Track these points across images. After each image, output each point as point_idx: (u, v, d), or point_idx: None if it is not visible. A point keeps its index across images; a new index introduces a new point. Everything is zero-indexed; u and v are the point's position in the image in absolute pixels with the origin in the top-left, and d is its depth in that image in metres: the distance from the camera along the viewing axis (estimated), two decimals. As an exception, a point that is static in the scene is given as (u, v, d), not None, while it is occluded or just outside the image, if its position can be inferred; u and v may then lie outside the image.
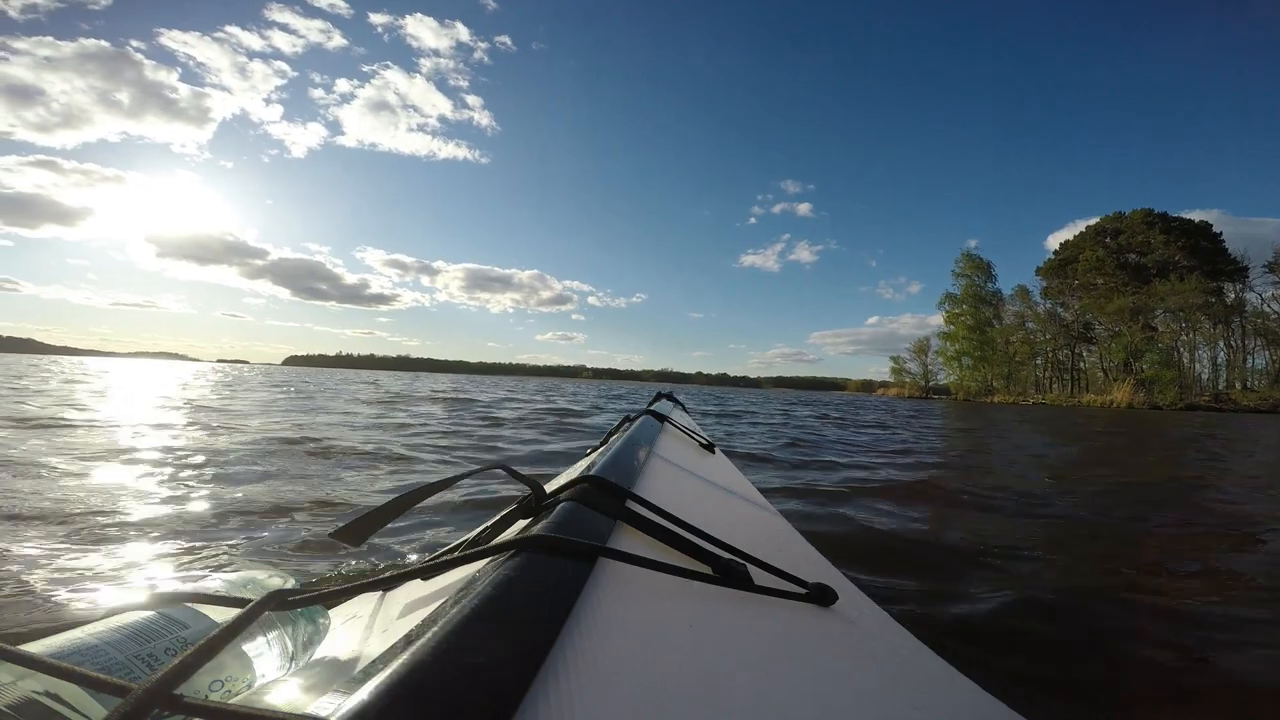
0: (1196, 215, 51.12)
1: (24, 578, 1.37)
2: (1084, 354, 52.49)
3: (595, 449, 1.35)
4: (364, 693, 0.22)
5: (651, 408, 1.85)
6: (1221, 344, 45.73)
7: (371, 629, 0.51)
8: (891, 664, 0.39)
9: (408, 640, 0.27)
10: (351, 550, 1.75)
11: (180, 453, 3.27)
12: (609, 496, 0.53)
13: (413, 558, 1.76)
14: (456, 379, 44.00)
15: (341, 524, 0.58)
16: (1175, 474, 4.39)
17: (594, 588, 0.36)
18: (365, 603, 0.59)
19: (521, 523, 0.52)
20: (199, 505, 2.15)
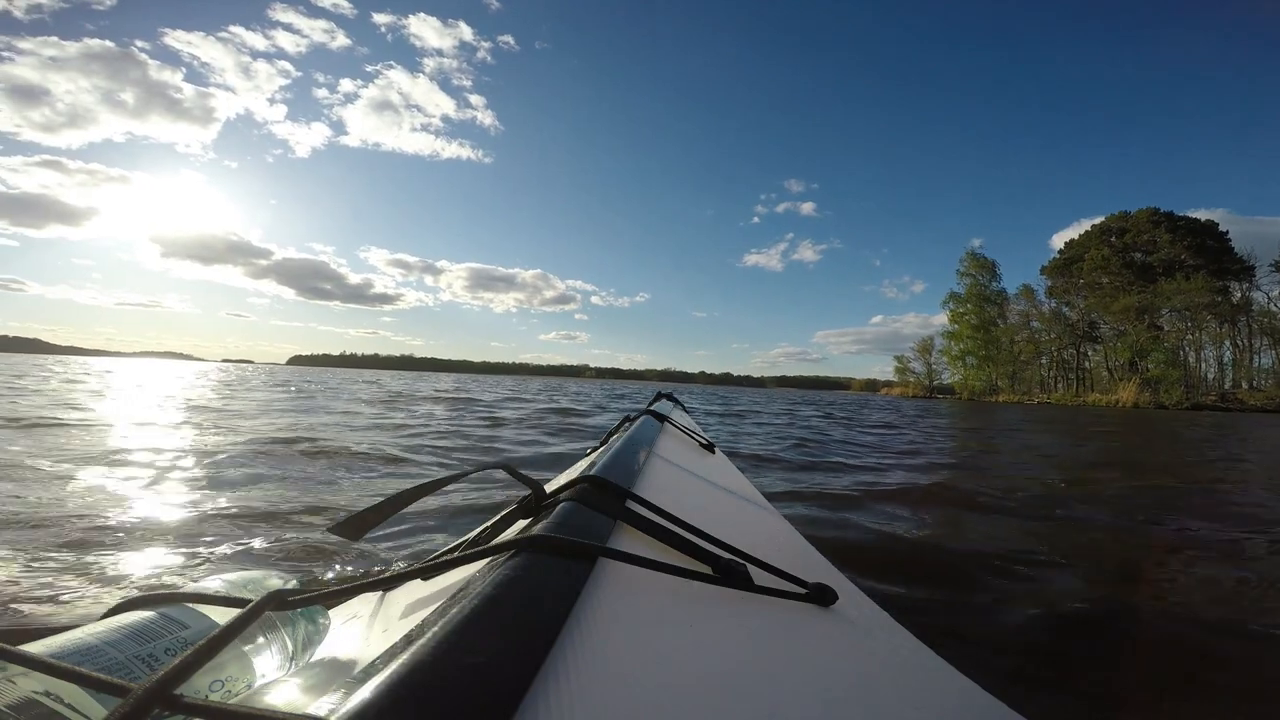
0: (1202, 214, 50.95)
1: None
2: (1089, 353, 52.31)
3: (595, 449, 1.35)
4: (364, 693, 0.22)
5: (651, 408, 1.85)
6: (1228, 343, 45.49)
7: (371, 629, 0.51)
8: (891, 664, 0.39)
9: (408, 640, 0.27)
10: (349, 546, 1.75)
11: (169, 454, 3.23)
12: (609, 496, 0.53)
13: (413, 558, 1.75)
14: (460, 378, 44.07)
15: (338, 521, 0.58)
16: (1194, 475, 4.31)
17: (594, 588, 0.36)
18: (365, 603, 0.59)
19: (521, 523, 0.52)
20: (179, 510, 2.08)
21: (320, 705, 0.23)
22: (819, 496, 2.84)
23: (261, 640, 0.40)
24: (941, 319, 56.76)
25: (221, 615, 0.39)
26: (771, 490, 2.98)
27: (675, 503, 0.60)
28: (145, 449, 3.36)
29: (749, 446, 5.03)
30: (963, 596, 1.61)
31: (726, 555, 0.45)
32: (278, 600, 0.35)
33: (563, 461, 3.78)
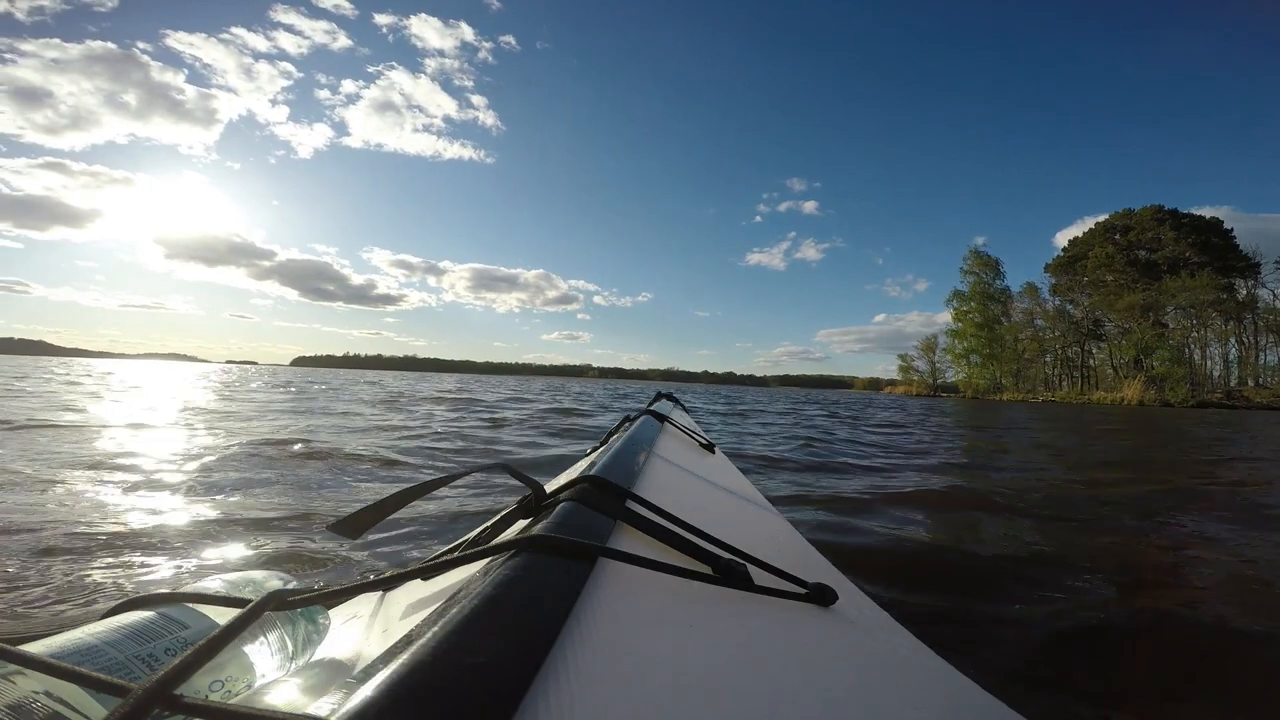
0: (1206, 211, 50.71)
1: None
2: (1093, 351, 52.10)
3: (595, 449, 1.35)
4: (364, 693, 0.22)
5: (652, 408, 1.85)
6: (1233, 340, 45.28)
7: (371, 629, 0.51)
8: (891, 664, 0.39)
9: (408, 640, 0.27)
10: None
11: (155, 457, 3.18)
12: (609, 496, 0.53)
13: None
14: (463, 379, 44.10)
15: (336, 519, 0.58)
16: (1214, 474, 4.22)
17: (594, 588, 0.36)
18: (365, 603, 0.59)
19: (521, 523, 0.52)
20: (154, 516, 2.01)
21: (320, 705, 0.23)
22: (830, 500, 2.76)
23: (261, 640, 0.40)
24: (944, 317, 56.71)
25: (221, 615, 0.39)
26: (780, 493, 2.93)
27: (675, 503, 0.60)
28: (132, 452, 3.31)
29: (755, 447, 4.96)
30: (988, 605, 1.55)
31: (726, 555, 0.45)
32: (278, 600, 0.35)
33: (564, 462, 3.77)
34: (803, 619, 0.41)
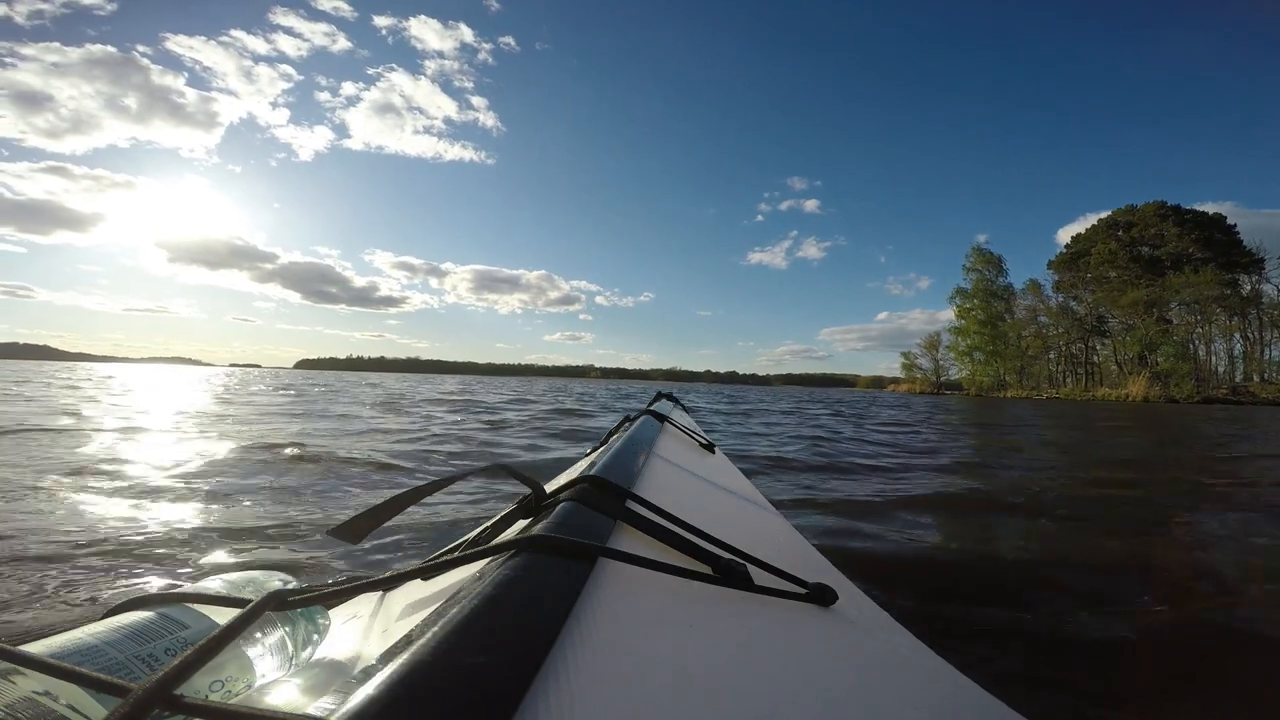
0: (1209, 208, 50.47)
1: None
2: (1097, 347, 51.92)
3: (595, 449, 1.35)
4: (364, 693, 0.22)
5: (651, 408, 1.85)
6: (1238, 336, 45.11)
7: (371, 629, 0.51)
8: (891, 664, 0.39)
9: (408, 640, 0.27)
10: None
11: (143, 463, 3.12)
12: (609, 496, 0.53)
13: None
14: (465, 380, 44.12)
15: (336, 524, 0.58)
16: (1231, 472, 4.11)
17: (594, 588, 0.36)
18: (365, 603, 0.59)
19: (521, 523, 0.52)
20: (130, 526, 1.95)
21: (320, 705, 0.23)
22: (841, 504, 2.65)
23: (261, 640, 0.40)
24: (947, 315, 56.62)
25: (221, 615, 0.39)
26: (790, 496, 2.85)
27: (675, 503, 0.60)
28: (118, 458, 3.26)
29: (761, 448, 4.88)
30: (1010, 613, 1.50)
31: (726, 555, 0.45)
32: (278, 600, 0.35)
33: (564, 464, 3.73)
34: (803, 619, 0.41)
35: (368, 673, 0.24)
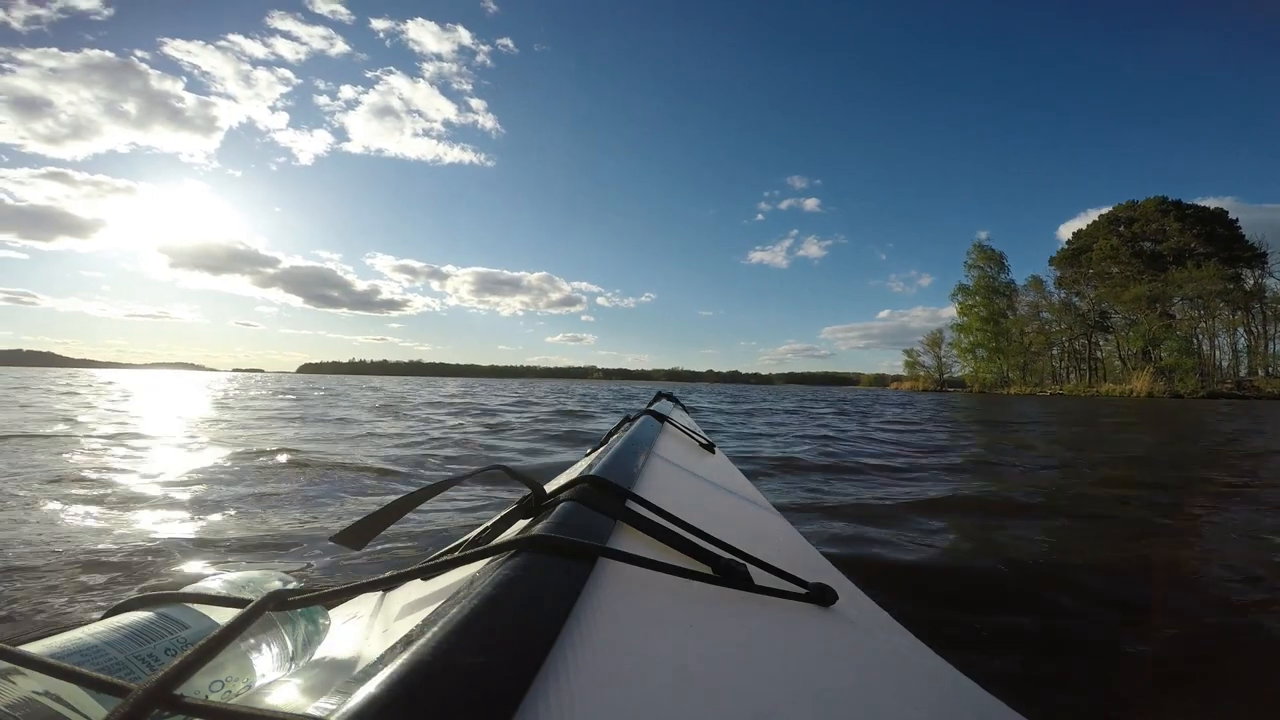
0: (1210, 203, 50.29)
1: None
2: (1100, 343, 51.77)
3: (595, 449, 1.35)
4: (364, 693, 0.22)
5: (651, 408, 1.85)
6: (1241, 330, 44.93)
7: (371, 629, 0.51)
8: (891, 663, 0.39)
9: (408, 640, 0.27)
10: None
11: (132, 472, 3.06)
12: (609, 496, 0.53)
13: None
14: (467, 383, 44.12)
15: (338, 528, 0.59)
16: (1254, 471, 4.00)
17: (594, 588, 0.36)
18: (365, 603, 0.59)
19: (521, 523, 0.53)
20: (113, 536, 1.89)
21: (320, 705, 0.23)
22: (853, 509, 2.54)
23: (261, 640, 0.40)
24: (949, 312, 56.65)
25: (221, 615, 0.39)
26: (799, 501, 2.78)
27: (675, 503, 0.60)
28: (105, 465, 3.22)
29: (766, 449, 4.79)
30: (1038, 620, 1.44)
31: (726, 555, 0.45)
32: (278, 600, 0.36)
33: (565, 467, 3.66)
34: (803, 619, 0.41)
35: (368, 673, 0.24)
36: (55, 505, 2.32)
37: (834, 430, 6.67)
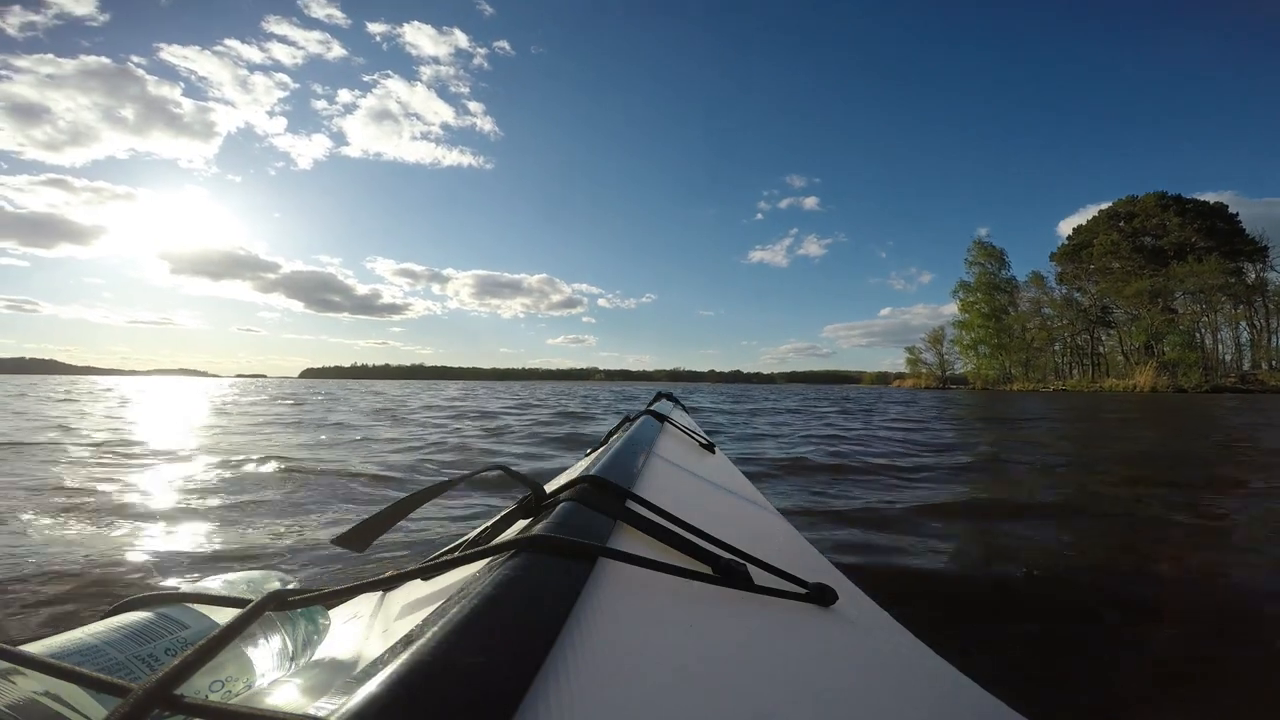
0: (1209, 197, 50.20)
1: None
2: (1103, 338, 51.67)
3: (595, 449, 1.35)
4: (364, 693, 0.22)
5: (651, 408, 1.85)
6: (1244, 324, 44.80)
7: (371, 629, 0.51)
8: (891, 663, 0.39)
9: (408, 640, 0.27)
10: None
11: (115, 482, 2.98)
12: (609, 496, 0.53)
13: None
14: (469, 386, 44.09)
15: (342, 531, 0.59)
16: (1277, 467, 3.84)
17: (594, 588, 0.36)
18: (365, 603, 0.59)
19: (521, 523, 0.53)
20: (82, 548, 1.83)
21: (320, 705, 0.24)
22: (863, 515, 2.44)
23: (261, 640, 0.40)
24: (951, 309, 56.67)
25: (221, 615, 0.40)
26: (806, 505, 2.70)
27: (675, 503, 0.60)
28: (90, 475, 3.17)
29: (771, 451, 4.68)
30: (1081, 637, 1.36)
31: (726, 555, 0.45)
32: (278, 600, 0.36)
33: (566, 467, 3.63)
34: (803, 619, 0.41)
35: (368, 673, 0.24)
36: (28, 516, 2.27)
37: (839, 429, 6.60)
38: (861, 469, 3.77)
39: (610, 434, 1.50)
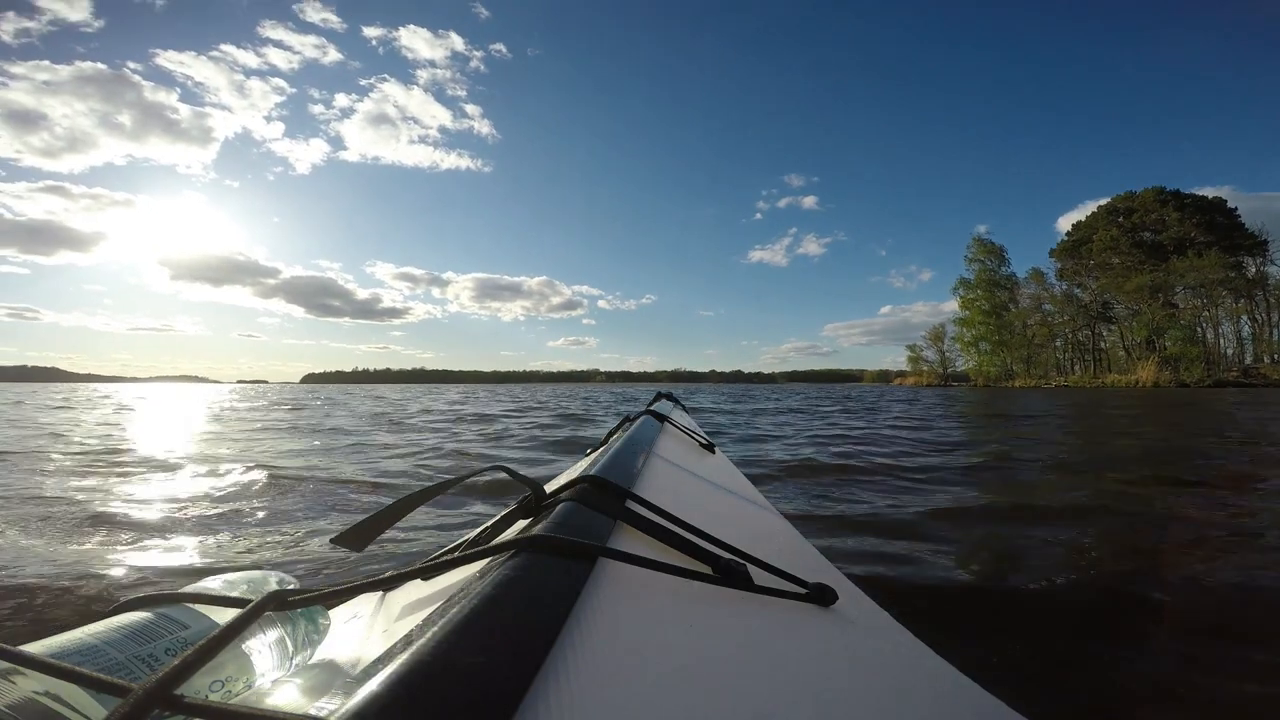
0: (1208, 192, 50.20)
1: None
2: (1104, 333, 51.63)
3: (595, 449, 1.34)
4: (364, 693, 0.22)
5: (651, 408, 1.84)
6: (1245, 318, 44.78)
7: (372, 629, 0.51)
8: (891, 663, 0.39)
9: (408, 640, 0.27)
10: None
11: (101, 491, 2.94)
12: (609, 496, 0.53)
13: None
14: (469, 389, 44.07)
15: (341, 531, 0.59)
16: None
17: (594, 588, 0.36)
18: (365, 603, 0.59)
19: (521, 523, 0.52)
20: (58, 561, 1.78)
21: (320, 705, 0.24)
22: (869, 517, 2.39)
23: (261, 640, 0.40)
24: (951, 306, 56.69)
25: (221, 615, 0.40)
26: (813, 511, 2.62)
27: (675, 503, 0.60)
28: (75, 483, 3.15)
29: (774, 452, 4.60)
30: (1100, 645, 1.30)
31: (726, 555, 0.45)
32: (278, 600, 0.36)
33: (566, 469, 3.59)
34: (803, 619, 0.41)
35: (368, 673, 0.24)
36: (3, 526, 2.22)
37: (842, 429, 6.55)
38: (869, 469, 3.73)
39: (610, 434, 1.50)
